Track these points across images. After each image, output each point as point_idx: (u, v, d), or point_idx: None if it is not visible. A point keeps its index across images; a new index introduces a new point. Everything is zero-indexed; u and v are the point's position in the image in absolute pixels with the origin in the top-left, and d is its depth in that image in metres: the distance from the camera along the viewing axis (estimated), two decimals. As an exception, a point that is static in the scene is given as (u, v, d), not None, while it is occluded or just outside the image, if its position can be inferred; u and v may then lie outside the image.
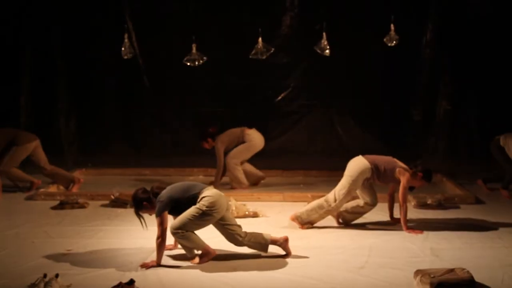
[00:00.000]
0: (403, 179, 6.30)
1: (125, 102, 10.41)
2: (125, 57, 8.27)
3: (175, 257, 5.51)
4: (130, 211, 7.04)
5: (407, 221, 6.37)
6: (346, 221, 6.63)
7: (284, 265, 5.38)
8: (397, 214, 6.59)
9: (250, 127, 8.42)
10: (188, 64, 8.04)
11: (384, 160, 6.47)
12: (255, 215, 6.91)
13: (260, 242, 5.53)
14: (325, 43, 7.97)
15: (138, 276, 4.99)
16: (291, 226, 6.55)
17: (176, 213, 5.41)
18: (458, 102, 10.04)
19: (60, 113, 10.11)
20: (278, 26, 10.17)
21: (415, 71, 10.16)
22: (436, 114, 10.16)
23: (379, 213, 6.89)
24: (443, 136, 10.12)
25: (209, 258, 5.45)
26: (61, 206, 7.24)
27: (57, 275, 4.85)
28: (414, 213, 6.98)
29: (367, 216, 6.79)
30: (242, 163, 8.36)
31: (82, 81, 10.24)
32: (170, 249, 5.64)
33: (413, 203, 7.29)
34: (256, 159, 9.82)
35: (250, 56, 8.02)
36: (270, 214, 6.99)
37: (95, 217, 6.87)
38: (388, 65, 9.97)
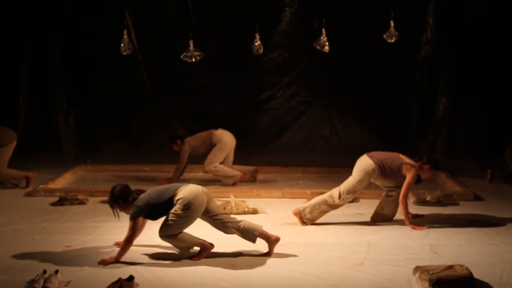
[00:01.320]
0: (409, 175, 6.30)
1: (124, 99, 10.40)
2: (124, 53, 8.27)
3: (175, 254, 5.52)
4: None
5: (409, 216, 6.39)
6: (390, 217, 6.56)
7: (283, 261, 5.38)
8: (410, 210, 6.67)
9: (216, 128, 8.43)
10: (186, 60, 8.03)
11: (390, 157, 6.46)
12: (254, 211, 6.92)
13: (250, 232, 5.49)
14: (325, 39, 7.97)
15: (138, 272, 5.00)
16: (290, 223, 6.56)
17: (153, 217, 5.46)
18: (457, 99, 10.05)
19: (59, 111, 10.11)
20: (277, 22, 10.16)
21: (415, 68, 10.16)
22: (436, 111, 10.17)
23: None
24: (442, 133, 10.13)
25: (208, 252, 5.45)
26: (61, 202, 7.24)
27: (56, 271, 4.87)
28: (413, 210, 6.98)
29: (366, 213, 6.80)
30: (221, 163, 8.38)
31: (81, 78, 10.23)
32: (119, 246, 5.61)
33: (412, 200, 7.30)
34: (255, 156, 9.87)
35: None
36: (269, 211, 7.00)
37: (94, 214, 6.88)
38: (387, 62, 9.97)
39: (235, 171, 8.39)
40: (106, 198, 7.27)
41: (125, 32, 8.21)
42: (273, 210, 7.04)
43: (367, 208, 6.88)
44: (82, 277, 4.98)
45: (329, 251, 5.66)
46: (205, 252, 5.45)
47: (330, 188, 7.70)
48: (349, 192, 6.44)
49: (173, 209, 5.31)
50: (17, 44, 9.89)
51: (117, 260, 5.27)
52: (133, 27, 9.86)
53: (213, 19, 10.03)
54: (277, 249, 5.68)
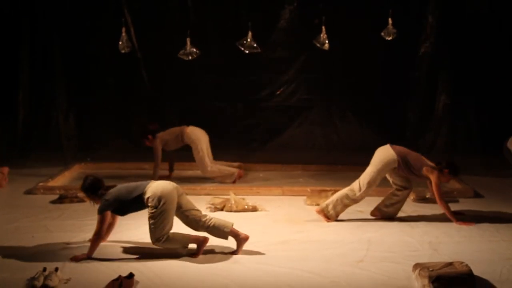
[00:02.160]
0: (433, 177, 6.32)
1: (124, 97, 10.40)
2: (123, 51, 8.26)
3: (174, 251, 5.52)
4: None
5: (453, 213, 6.42)
6: (390, 215, 6.58)
7: (283, 259, 5.38)
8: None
9: (188, 125, 8.39)
10: (183, 58, 8.03)
11: (413, 155, 6.49)
12: (254, 209, 6.92)
13: (221, 229, 5.49)
14: (324, 37, 7.96)
15: (137, 269, 5.00)
16: (290, 220, 6.56)
17: (121, 213, 5.50)
18: (457, 97, 10.05)
19: (59, 109, 10.11)
20: (276, 20, 10.16)
21: (414, 66, 10.16)
22: (435, 109, 10.17)
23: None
24: (442, 130, 10.13)
25: (204, 245, 5.45)
26: (61, 200, 7.24)
27: (56, 269, 4.87)
28: (413, 207, 6.99)
29: (365, 210, 6.80)
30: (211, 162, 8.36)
31: (80, 77, 10.23)
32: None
33: (412, 197, 7.29)
34: (255, 153, 9.87)
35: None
36: (269, 208, 6.99)
37: (94, 211, 6.79)
38: (387, 60, 9.97)
39: (229, 169, 8.36)
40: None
41: (123, 29, 8.20)
42: (273, 208, 7.03)
43: (367, 205, 6.87)
44: (82, 274, 4.98)
45: (329, 248, 5.66)
46: (202, 246, 5.44)
47: (330, 185, 7.76)
48: (369, 183, 6.43)
49: (149, 212, 5.33)
50: (17, 43, 9.89)
51: (89, 256, 5.30)
52: (133, 25, 9.85)
53: (212, 17, 10.02)
54: (277, 246, 5.69)
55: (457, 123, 10.16)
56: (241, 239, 5.53)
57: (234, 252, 5.49)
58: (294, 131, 10.49)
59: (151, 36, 10.07)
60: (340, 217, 6.65)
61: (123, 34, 8.11)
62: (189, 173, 8.78)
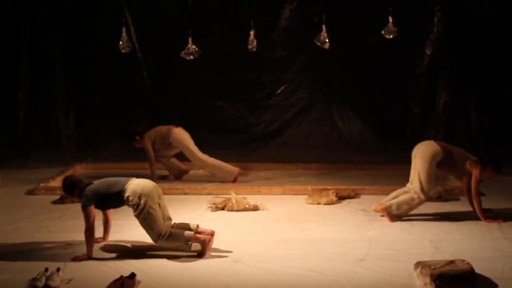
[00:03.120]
0: (476, 172, 6.34)
1: (124, 97, 10.39)
2: (123, 51, 8.25)
3: (176, 250, 5.52)
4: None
5: (483, 211, 6.41)
6: (400, 215, 6.55)
7: (285, 257, 5.38)
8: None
9: (177, 125, 8.40)
10: (185, 57, 8.03)
11: (456, 149, 6.52)
12: (255, 208, 6.92)
13: (182, 239, 5.43)
14: (325, 35, 7.95)
15: (139, 269, 5.01)
16: (290, 219, 6.56)
17: (102, 207, 5.53)
18: (457, 95, 10.04)
19: (59, 109, 10.10)
20: (277, 19, 10.15)
21: (415, 64, 10.15)
22: (436, 106, 10.16)
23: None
24: (442, 128, 10.12)
25: (209, 245, 5.43)
26: (62, 200, 7.23)
27: (58, 269, 4.88)
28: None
29: (367, 209, 6.80)
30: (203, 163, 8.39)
31: (80, 76, 10.22)
32: (99, 242, 5.66)
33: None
34: (256, 152, 9.86)
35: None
36: (270, 207, 6.99)
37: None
38: (387, 58, 9.96)
39: (228, 167, 8.32)
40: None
41: (123, 29, 8.20)
42: (274, 207, 7.03)
43: (368, 204, 6.88)
44: (84, 274, 4.99)
45: (331, 247, 5.66)
46: (207, 245, 5.42)
47: (331, 184, 7.76)
48: (429, 182, 6.41)
49: (135, 214, 5.37)
50: (17, 43, 9.87)
51: (89, 256, 5.32)
52: (133, 25, 9.85)
53: (213, 17, 10.01)
54: (278, 245, 5.69)
55: (457, 121, 10.15)
56: (203, 241, 5.44)
57: (198, 255, 5.40)
58: (295, 130, 10.48)
59: (151, 36, 10.05)
60: (341, 216, 6.67)
61: (124, 34, 8.12)
62: (190, 173, 8.77)
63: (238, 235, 6.06)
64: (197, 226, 5.61)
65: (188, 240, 5.41)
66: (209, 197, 7.25)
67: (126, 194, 5.36)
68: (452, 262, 4.88)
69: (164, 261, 5.30)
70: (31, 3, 9.83)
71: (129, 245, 5.71)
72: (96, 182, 5.54)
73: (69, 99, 10.19)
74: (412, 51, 10.07)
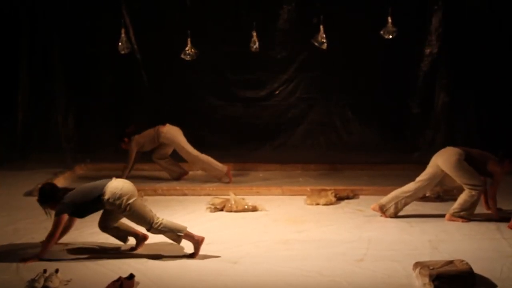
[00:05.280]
0: (499, 170, 6.42)
1: (124, 98, 10.39)
2: (122, 52, 8.26)
3: (175, 251, 5.52)
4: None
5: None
6: (396, 213, 6.60)
7: (284, 258, 5.38)
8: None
9: (164, 124, 8.39)
10: (185, 58, 8.04)
11: (474, 151, 6.57)
12: (254, 209, 6.92)
13: (174, 232, 5.44)
14: (323, 36, 7.95)
15: (138, 270, 5.00)
16: (289, 220, 6.56)
17: (80, 215, 5.48)
18: (456, 94, 10.04)
19: (58, 110, 10.10)
20: (275, 20, 10.15)
21: (414, 63, 10.15)
22: (434, 106, 10.16)
23: (378, 206, 6.93)
24: (441, 128, 10.12)
25: (200, 244, 5.42)
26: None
27: (57, 270, 4.87)
28: (412, 205, 6.96)
29: (366, 209, 6.80)
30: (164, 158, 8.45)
31: (80, 77, 10.21)
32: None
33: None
34: (254, 153, 9.85)
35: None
36: (269, 208, 6.99)
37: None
38: (386, 58, 9.95)
39: (216, 164, 8.29)
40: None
41: (122, 30, 8.20)
42: (273, 208, 7.03)
43: (367, 205, 6.88)
44: (83, 275, 4.99)
45: (329, 247, 5.66)
46: (199, 245, 5.39)
47: (330, 185, 7.76)
48: (472, 176, 6.42)
49: (120, 213, 5.38)
50: (16, 44, 9.86)
51: (40, 258, 5.29)
52: (132, 26, 9.84)
53: (212, 17, 10.01)
54: (277, 245, 5.68)
55: (456, 120, 10.15)
56: (196, 241, 5.45)
57: (191, 255, 5.42)
58: (293, 131, 10.48)
59: (150, 36, 10.05)
60: (340, 216, 6.68)
61: (123, 35, 8.12)
62: (189, 174, 8.76)
63: (237, 235, 6.06)
64: (186, 228, 5.55)
65: (179, 231, 5.40)
66: (208, 198, 7.24)
67: (106, 197, 5.33)
68: (451, 262, 4.88)
69: (162, 262, 5.30)
70: (31, 4, 9.82)
71: (127, 246, 5.69)
72: (74, 190, 5.50)
73: (69, 100, 10.18)
74: (411, 51, 10.06)
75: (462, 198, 6.50)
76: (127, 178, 7.79)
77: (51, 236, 5.33)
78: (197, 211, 6.89)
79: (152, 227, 5.38)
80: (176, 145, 8.32)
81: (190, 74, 10.02)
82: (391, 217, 6.55)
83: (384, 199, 6.62)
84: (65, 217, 5.37)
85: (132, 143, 8.25)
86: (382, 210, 6.57)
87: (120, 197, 5.32)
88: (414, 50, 10.09)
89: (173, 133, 8.33)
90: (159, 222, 5.38)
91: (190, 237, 5.44)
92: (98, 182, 5.51)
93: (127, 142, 8.26)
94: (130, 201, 5.33)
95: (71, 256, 5.42)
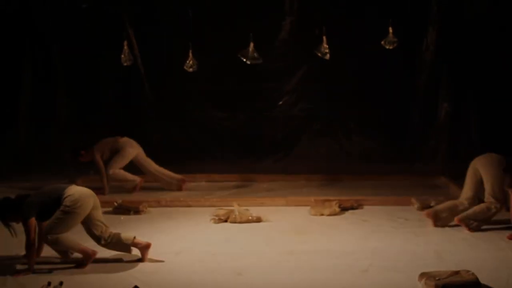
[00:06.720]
0: None
1: (126, 109, 10.41)
2: (125, 64, 8.30)
3: (179, 263, 5.50)
4: (133, 218, 7.08)
5: None
6: (443, 221, 6.59)
7: (288, 269, 5.37)
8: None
9: (122, 136, 8.46)
10: (187, 70, 8.07)
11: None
12: (258, 220, 6.90)
13: (123, 242, 5.55)
14: (326, 46, 7.98)
15: (143, 282, 4.99)
16: (294, 230, 6.54)
17: (45, 218, 5.45)
18: (458, 104, 10.04)
19: (60, 122, 10.13)
20: (278, 31, 10.18)
21: (415, 74, 10.16)
22: (437, 116, 10.16)
23: (383, 216, 6.92)
24: (444, 138, 10.12)
25: (90, 260, 5.46)
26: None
27: (61, 283, 4.86)
28: (417, 215, 6.97)
29: (370, 220, 6.79)
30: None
31: (82, 90, 10.25)
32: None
33: (416, 206, 7.28)
34: (258, 164, 9.85)
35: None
36: (273, 219, 6.97)
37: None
38: (388, 69, 9.97)
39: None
40: (109, 209, 7.33)
41: (125, 43, 8.23)
42: (277, 219, 7.01)
43: (371, 215, 6.87)
44: (87, 287, 4.98)
45: (334, 258, 5.64)
46: (88, 260, 5.45)
47: (334, 195, 7.73)
48: (499, 187, 6.42)
49: (61, 207, 5.36)
50: (18, 57, 9.92)
51: (32, 270, 5.29)
52: (134, 37, 9.88)
53: (213, 29, 10.04)
54: (282, 257, 5.67)
55: (459, 130, 10.14)
56: (143, 247, 5.57)
57: (139, 260, 5.53)
58: (297, 141, 10.48)
59: (152, 47, 10.09)
60: (345, 227, 6.65)
61: (125, 47, 8.16)
62: (192, 185, 8.76)
63: (241, 247, 6.04)
64: (134, 237, 5.63)
65: (70, 251, 5.49)
66: (212, 209, 7.23)
67: (66, 195, 5.38)
68: (457, 272, 4.87)
69: (167, 274, 5.28)
70: (32, 17, 9.87)
71: (131, 258, 5.68)
72: (32, 194, 5.51)
73: (71, 112, 10.21)
74: (412, 61, 10.09)
75: (481, 207, 6.46)
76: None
77: (29, 244, 5.30)
78: (201, 223, 6.87)
79: (48, 235, 5.34)
80: (123, 151, 8.31)
81: (192, 85, 10.04)
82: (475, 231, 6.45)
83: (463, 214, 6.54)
84: (33, 221, 5.35)
85: (93, 152, 8.27)
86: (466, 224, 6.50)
87: (73, 199, 5.35)
88: (416, 60, 10.11)
89: (128, 144, 8.39)
90: (55, 237, 5.35)
91: (83, 250, 5.47)
92: (60, 185, 5.61)
93: (84, 154, 8.27)
94: (77, 207, 5.33)
95: (75, 268, 5.40)
